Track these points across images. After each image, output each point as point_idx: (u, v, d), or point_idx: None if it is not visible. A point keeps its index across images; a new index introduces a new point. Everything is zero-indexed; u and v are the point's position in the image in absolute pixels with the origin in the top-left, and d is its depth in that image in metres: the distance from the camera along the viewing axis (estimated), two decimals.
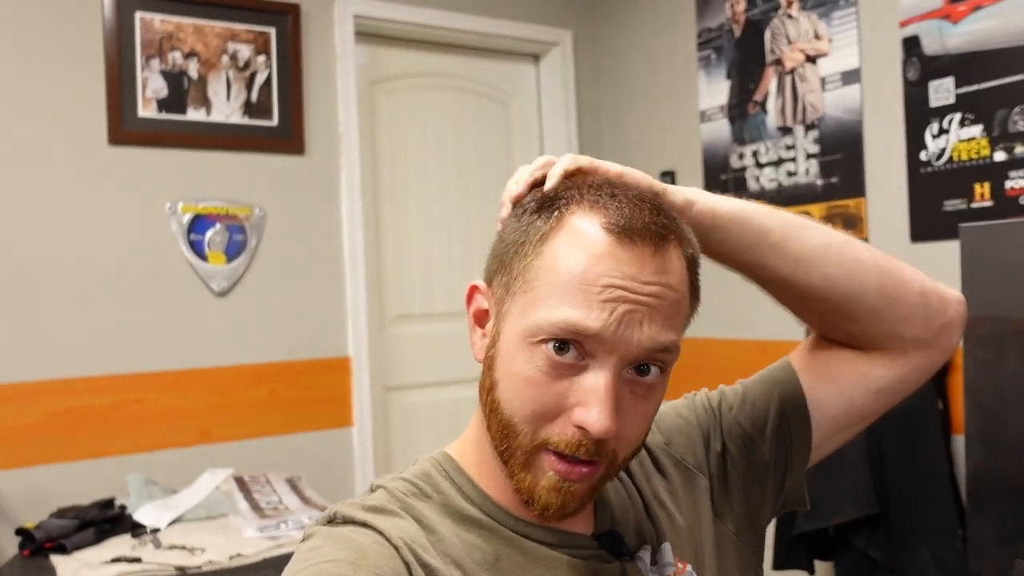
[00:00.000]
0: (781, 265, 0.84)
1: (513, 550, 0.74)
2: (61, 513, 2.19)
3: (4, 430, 2.35)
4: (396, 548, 0.68)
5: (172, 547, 2.05)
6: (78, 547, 2.05)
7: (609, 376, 0.68)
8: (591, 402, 0.67)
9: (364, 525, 0.70)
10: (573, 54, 3.37)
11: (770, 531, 2.52)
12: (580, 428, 0.68)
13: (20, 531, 2.11)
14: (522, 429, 0.70)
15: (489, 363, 0.74)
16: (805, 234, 0.84)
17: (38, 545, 2.04)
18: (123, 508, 2.24)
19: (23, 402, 2.38)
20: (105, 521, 2.15)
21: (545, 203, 0.73)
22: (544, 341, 0.68)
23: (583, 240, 0.69)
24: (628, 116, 3.33)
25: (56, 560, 1.98)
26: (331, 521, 0.72)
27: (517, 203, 0.76)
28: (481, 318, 0.77)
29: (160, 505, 2.27)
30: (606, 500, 0.82)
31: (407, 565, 0.67)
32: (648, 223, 0.69)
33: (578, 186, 0.73)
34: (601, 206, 0.70)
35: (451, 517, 0.74)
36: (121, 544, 2.09)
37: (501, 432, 0.71)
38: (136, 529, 2.17)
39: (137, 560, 1.94)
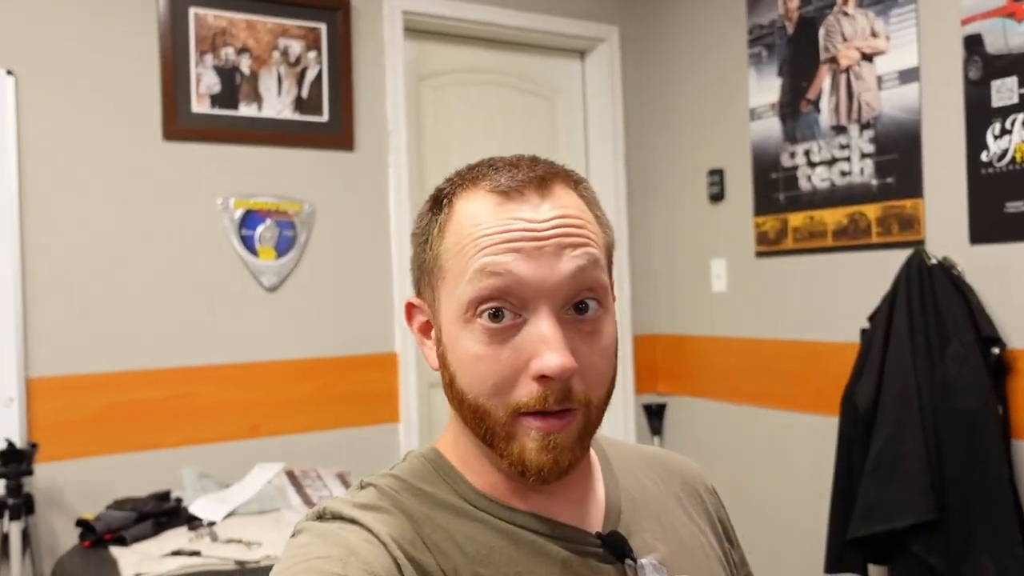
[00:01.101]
0: None
1: (507, 543, 0.72)
2: (118, 505, 2.21)
3: (62, 421, 2.38)
4: (384, 544, 0.67)
5: (229, 541, 2.07)
6: (137, 539, 2.07)
7: (548, 318, 0.69)
8: (540, 349, 0.68)
9: (353, 522, 0.70)
10: (619, 50, 3.35)
11: (822, 533, 2.50)
12: (541, 378, 0.68)
13: (80, 522, 2.14)
14: (492, 405, 0.70)
15: (442, 361, 0.75)
16: None
17: (98, 536, 2.07)
18: (179, 501, 2.27)
19: (80, 394, 2.41)
20: (162, 514, 2.18)
21: (435, 201, 0.77)
22: (477, 314, 0.70)
23: (475, 209, 0.72)
24: (675, 113, 3.31)
25: (116, 552, 2.00)
26: (320, 517, 0.72)
27: None
28: (426, 330, 0.79)
29: (214, 499, 2.29)
30: (616, 504, 0.80)
31: (396, 561, 0.67)
32: (528, 175, 0.73)
33: (459, 173, 0.77)
34: (482, 177, 0.74)
35: (442, 511, 0.74)
36: (178, 537, 2.11)
37: (475, 418, 0.72)
38: (192, 522, 2.19)
39: (196, 553, 1.96)
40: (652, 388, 3.43)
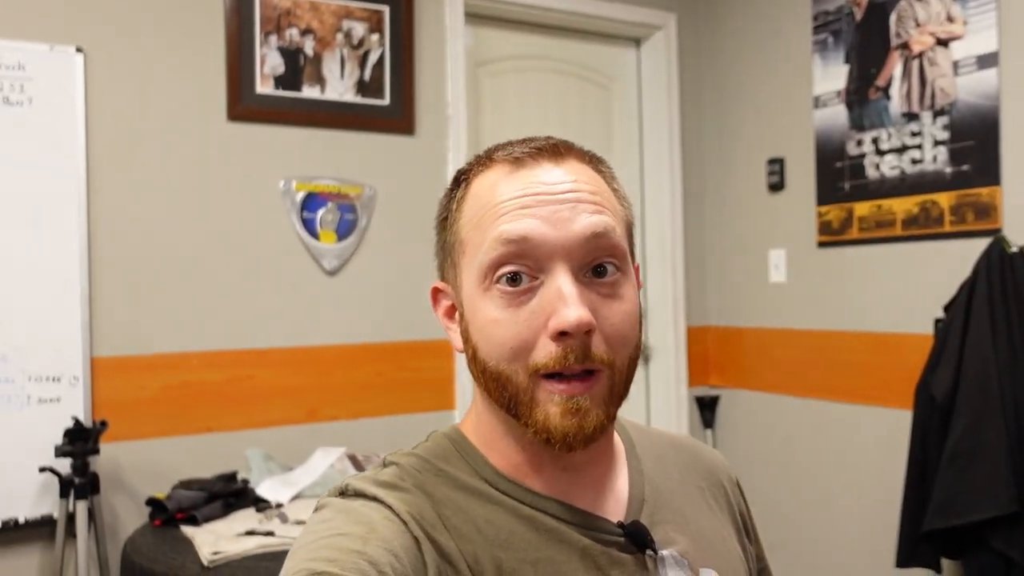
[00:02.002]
0: None
1: (527, 528, 0.72)
2: (186, 485, 2.19)
3: (125, 402, 2.36)
4: (405, 523, 0.67)
5: (299, 522, 2.04)
6: (208, 519, 2.05)
7: (565, 276, 0.68)
8: (558, 306, 0.67)
9: (375, 499, 0.70)
10: (677, 38, 3.31)
11: (890, 527, 2.46)
12: (560, 336, 0.67)
13: (151, 501, 2.12)
14: (512, 370, 0.70)
15: (465, 337, 0.75)
16: None
17: (169, 515, 2.05)
18: (246, 482, 2.25)
19: (142, 374, 2.39)
20: (230, 494, 2.16)
21: (454, 183, 0.79)
22: (495, 280, 0.70)
23: (491, 180, 0.74)
24: (733, 102, 3.27)
25: (189, 531, 1.98)
26: (343, 494, 0.72)
27: None
28: (451, 314, 0.79)
29: (280, 481, 2.27)
30: (639, 494, 0.79)
31: (416, 540, 0.67)
32: (541, 145, 0.74)
33: (476, 156, 0.78)
34: (496, 151, 0.76)
35: (463, 493, 0.73)
36: (247, 518, 2.09)
37: (498, 385, 0.71)
38: (259, 503, 2.17)
39: (270, 534, 1.94)
40: (704, 380, 3.39)
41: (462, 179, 0.77)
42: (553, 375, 0.69)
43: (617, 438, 0.83)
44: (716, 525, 0.84)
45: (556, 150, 0.74)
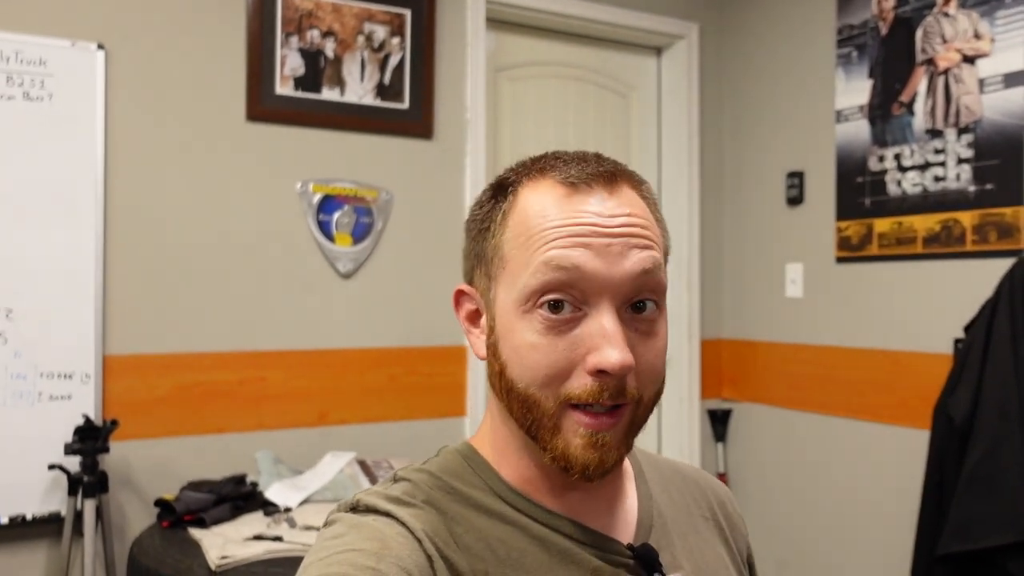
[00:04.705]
0: None
1: (539, 549, 0.71)
2: (194, 486, 2.18)
3: (136, 400, 2.35)
4: (419, 541, 0.66)
5: (307, 528, 2.03)
6: (216, 521, 2.04)
7: (611, 315, 0.68)
8: (601, 343, 0.67)
9: (387, 515, 0.69)
10: (698, 48, 3.29)
11: (908, 548, 2.43)
12: (598, 373, 0.67)
13: (159, 502, 2.11)
14: (542, 395, 0.69)
15: (492, 350, 0.73)
16: None
17: (177, 517, 2.04)
18: (255, 485, 2.23)
19: (154, 373, 2.38)
20: (239, 497, 2.14)
21: (498, 189, 0.75)
22: (537, 304, 0.68)
23: (543, 199, 0.71)
24: (754, 114, 3.24)
25: (197, 534, 1.97)
26: (354, 509, 0.71)
27: None
28: (474, 318, 0.78)
29: (289, 485, 2.26)
30: (648, 517, 0.79)
31: (429, 558, 0.66)
32: (596, 169, 0.72)
33: (523, 164, 0.76)
34: (549, 168, 0.73)
35: (475, 511, 0.72)
36: (255, 521, 2.08)
37: (524, 408, 0.70)
38: (267, 507, 2.16)
39: (279, 539, 1.92)
40: (717, 394, 3.36)
41: (508, 188, 0.74)
42: (580, 406, 0.68)
43: (626, 461, 0.83)
44: (719, 554, 0.84)
45: (612, 177, 0.72)
